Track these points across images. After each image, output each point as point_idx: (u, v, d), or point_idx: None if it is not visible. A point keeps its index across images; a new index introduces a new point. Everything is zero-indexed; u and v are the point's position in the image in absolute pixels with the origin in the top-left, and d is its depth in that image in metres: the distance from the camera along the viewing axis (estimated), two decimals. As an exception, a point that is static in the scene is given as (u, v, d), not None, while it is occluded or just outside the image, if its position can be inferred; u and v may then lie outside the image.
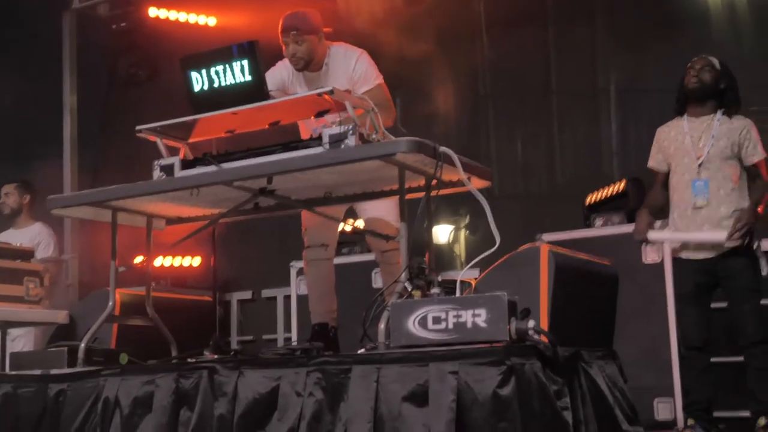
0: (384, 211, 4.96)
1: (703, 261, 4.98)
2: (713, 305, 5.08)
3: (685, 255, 5.05)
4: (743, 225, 4.79)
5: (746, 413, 4.98)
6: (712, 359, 5.05)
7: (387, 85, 5.09)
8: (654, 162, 5.25)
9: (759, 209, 4.92)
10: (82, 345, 4.64)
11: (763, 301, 5.09)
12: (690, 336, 5.03)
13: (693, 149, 5.02)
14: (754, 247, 4.86)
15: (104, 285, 5.41)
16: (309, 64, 5.00)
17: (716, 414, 5.10)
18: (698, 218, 4.97)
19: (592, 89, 7.77)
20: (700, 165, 4.98)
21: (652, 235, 5.09)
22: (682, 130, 5.10)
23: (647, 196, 5.30)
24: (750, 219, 4.82)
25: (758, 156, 5.00)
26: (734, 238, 4.79)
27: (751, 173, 5.02)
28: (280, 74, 5.14)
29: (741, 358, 4.98)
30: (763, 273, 4.86)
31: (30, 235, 7.24)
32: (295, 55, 4.95)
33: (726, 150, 4.97)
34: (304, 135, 4.92)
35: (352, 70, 4.98)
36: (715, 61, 5.10)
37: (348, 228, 5.20)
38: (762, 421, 4.79)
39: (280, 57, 5.07)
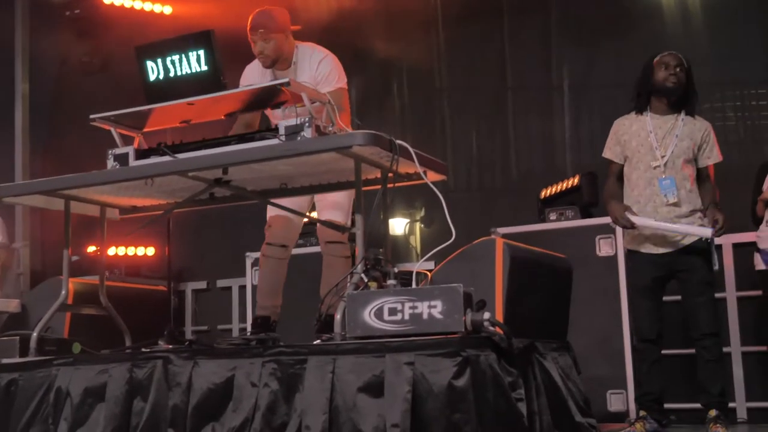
0: (338, 205, 5.03)
1: (663, 255, 4.99)
2: (665, 298, 5.13)
3: (645, 249, 5.04)
4: (723, 224, 4.82)
5: (697, 405, 5.03)
6: (664, 351, 5.10)
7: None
8: (611, 153, 5.15)
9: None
10: (35, 334, 4.60)
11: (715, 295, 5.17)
12: (644, 328, 5.05)
13: (657, 148, 4.98)
14: (708, 242, 4.91)
15: (56, 274, 5.38)
16: (276, 62, 5.03)
17: (667, 405, 5.16)
18: (657, 216, 4.97)
19: (546, 84, 7.81)
20: (665, 164, 4.96)
21: (637, 220, 4.94)
22: (645, 127, 5.03)
23: (606, 188, 5.19)
24: (723, 216, 4.84)
25: (714, 159, 5.02)
26: (717, 235, 4.81)
27: (701, 175, 5.04)
28: (252, 75, 5.19)
29: (692, 351, 5.04)
30: (715, 268, 4.91)
31: (-20, 223, 7.18)
32: (263, 52, 4.98)
33: (688, 151, 4.97)
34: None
35: (316, 70, 5.00)
36: (684, 59, 5.03)
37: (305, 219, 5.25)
38: (713, 412, 4.84)
39: (237, 47, 5.05)
